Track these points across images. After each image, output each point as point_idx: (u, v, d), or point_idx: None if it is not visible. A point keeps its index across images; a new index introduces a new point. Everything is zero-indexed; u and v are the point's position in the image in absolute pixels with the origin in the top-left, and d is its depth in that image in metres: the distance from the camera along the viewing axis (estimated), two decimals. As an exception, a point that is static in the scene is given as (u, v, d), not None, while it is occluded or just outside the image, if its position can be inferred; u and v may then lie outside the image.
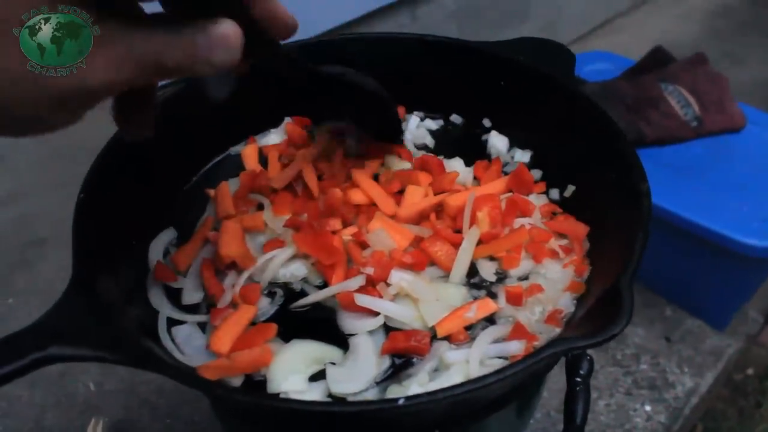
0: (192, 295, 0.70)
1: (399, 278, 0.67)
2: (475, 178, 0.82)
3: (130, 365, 0.54)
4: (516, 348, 0.63)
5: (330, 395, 0.61)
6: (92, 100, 0.43)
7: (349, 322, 0.66)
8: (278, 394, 0.61)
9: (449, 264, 0.70)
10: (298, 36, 1.45)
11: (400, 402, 0.49)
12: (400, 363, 0.64)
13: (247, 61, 0.51)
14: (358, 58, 0.88)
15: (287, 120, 0.90)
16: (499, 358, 0.63)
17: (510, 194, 0.78)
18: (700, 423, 1.34)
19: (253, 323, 0.66)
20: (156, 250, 0.74)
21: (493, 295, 0.69)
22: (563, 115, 0.80)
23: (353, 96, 0.73)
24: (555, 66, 0.83)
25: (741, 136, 1.38)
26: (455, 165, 0.83)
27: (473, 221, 0.72)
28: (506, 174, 0.82)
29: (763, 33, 2.35)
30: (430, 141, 0.89)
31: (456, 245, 0.71)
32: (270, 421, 0.64)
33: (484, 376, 0.51)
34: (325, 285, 0.69)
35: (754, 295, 1.33)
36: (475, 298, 0.69)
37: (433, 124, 0.91)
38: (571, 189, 0.79)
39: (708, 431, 1.35)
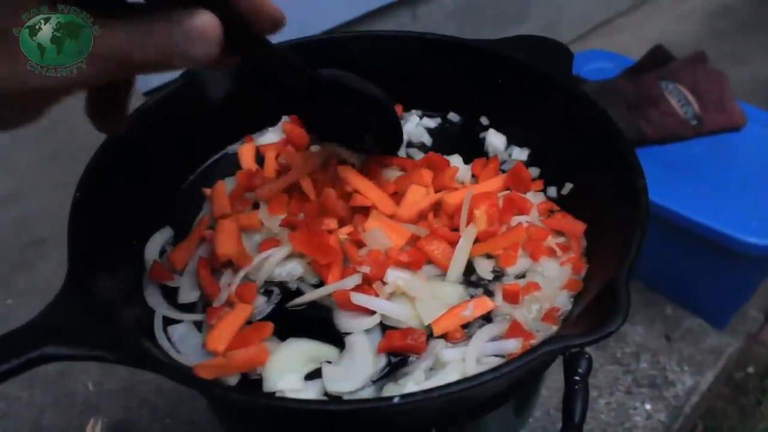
0: (188, 294, 0.70)
1: (395, 277, 0.67)
2: (473, 175, 0.82)
3: (125, 364, 0.54)
4: (513, 346, 0.63)
5: (326, 394, 0.61)
6: (53, 98, 0.42)
7: (345, 321, 0.66)
8: (274, 393, 0.60)
9: (446, 262, 0.70)
10: (300, 35, 1.45)
11: (395, 400, 0.49)
12: (397, 361, 0.64)
13: (233, 56, 0.49)
14: (358, 56, 0.88)
15: (285, 119, 0.90)
16: (496, 356, 0.63)
17: (507, 192, 0.78)
18: (700, 421, 1.33)
19: (249, 322, 0.66)
20: (152, 249, 0.74)
21: (490, 293, 0.69)
22: (561, 113, 0.80)
23: (352, 100, 0.71)
24: (553, 64, 0.82)
25: (741, 134, 1.38)
26: (454, 162, 0.82)
27: (470, 219, 0.72)
28: (504, 172, 0.81)
29: (764, 32, 2.34)
30: (427, 139, 0.89)
31: (453, 243, 0.71)
32: (266, 419, 0.64)
33: (480, 374, 0.51)
34: (321, 284, 0.69)
35: (754, 294, 1.33)
36: (472, 296, 0.68)
37: (431, 123, 0.91)
38: (568, 187, 0.79)
39: (708, 430, 1.35)
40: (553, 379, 1.10)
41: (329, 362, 0.63)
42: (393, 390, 0.60)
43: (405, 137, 0.88)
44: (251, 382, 0.62)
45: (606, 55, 1.63)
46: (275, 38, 0.74)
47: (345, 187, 0.75)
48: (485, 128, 0.88)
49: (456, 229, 0.73)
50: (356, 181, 0.74)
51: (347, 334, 0.65)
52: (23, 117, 0.43)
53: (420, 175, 0.77)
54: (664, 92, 1.42)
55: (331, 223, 0.71)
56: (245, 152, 0.85)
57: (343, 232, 0.71)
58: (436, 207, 0.76)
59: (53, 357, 0.52)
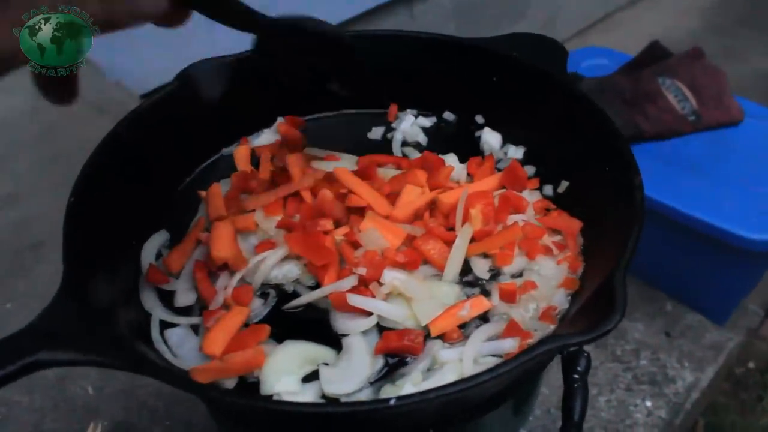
0: (185, 297, 0.70)
1: (392, 277, 0.67)
2: (468, 174, 0.82)
3: (122, 369, 0.54)
4: (510, 346, 0.63)
5: (323, 396, 0.61)
6: (8, 63, 0.41)
7: (342, 323, 0.66)
8: (271, 396, 0.60)
9: (442, 262, 0.69)
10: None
11: (392, 402, 0.49)
12: (394, 362, 0.63)
13: (185, 8, 0.49)
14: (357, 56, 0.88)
15: (280, 120, 0.89)
16: (494, 356, 0.63)
17: (503, 191, 0.78)
18: (701, 418, 1.33)
19: (246, 324, 0.66)
20: (148, 252, 0.74)
21: (486, 293, 0.69)
22: (556, 111, 0.80)
23: (309, 42, 0.70)
24: (547, 61, 0.82)
25: (739, 130, 1.37)
26: (449, 161, 0.82)
27: (466, 218, 0.72)
28: (500, 170, 0.81)
29: (761, 27, 2.34)
30: (423, 138, 0.89)
31: (449, 243, 0.70)
32: (264, 422, 0.64)
33: (477, 375, 0.51)
34: (317, 285, 0.69)
35: (754, 289, 1.33)
36: (469, 296, 0.68)
37: (426, 122, 0.91)
38: (564, 185, 0.78)
39: (710, 426, 1.35)
40: (554, 377, 1.10)
41: (326, 364, 0.63)
42: (390, 391, 0.60)
43: (400, 136, 0.88)
44: (249, 385, 0.62)
45: (603, 51, 1.63)
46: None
47: (340, 187, 0.74)
48: (480, 127, 0.88)
49: (452, 229, 0.73)
50: (351, 181, 0.74)
51: (344, 335, 0.65)
52: None
53: (415, 174, 0.76)
54: (662, 88, 1.41)
55: (327, 224, 0.71)
56: (240, 154, 0.85)
57: (339, 233, 0.71)
58: (432, 206, 0.75)
59: (49, 362, 0.52)
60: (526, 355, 0.52)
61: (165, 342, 0.66)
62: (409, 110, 0.92)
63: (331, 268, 0.68)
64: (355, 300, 0.64)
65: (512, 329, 0.64)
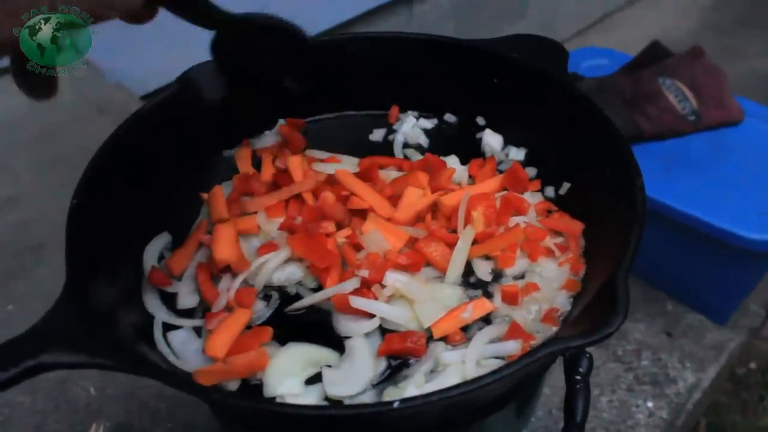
0: (187, 300, 0.70)
1: (394, 279, 0.67)
2: (470, 176, 0.82)
3: (125, 371, 0.54)
4: (512, 348, 0.63)
5: (326, 398, 0.61)
6: None
7: (344, 325, 0.66)
8: (275, 398, 0.60)
9: (444, 264, 0.70)
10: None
11: (396, 405, 0.49)
12: (396, 364, 0.64)
13: (154, 5, 0.50)
14: (353, 57, 0.88)
15: (281, 122, 0.89)
16: (496, 358, 0.63)
17: (505, 192, 0.78)
18: (703, 418, 1.33)
19: (248, 327, 0.66)
20: (150, 254, 0.74)
21: (488, 295, 0.69)
22: (558, 112, 0.80)
23: (267, 37, 0.72)
24: (548, 62, 0.82)
25: (739, 129, 1.37)
26: (451, 163, 0.82)
27: (468, 220, 0.72)
28: (501, 172, 0.81)
29: (761, 26, 2.34)
30: (424, 140, 0.89)
31: (451, 245, 0.71)
32: (268, 424, 0.64)
33: (480, 377, 0.51)
34: (320, 288, 0.69)
35: (755, 289, 1.33)
36: (471, 298, 0.68)
37: (428, 123, 0.91)
38: (566, 186, 0.78)
39: (711, 426, 1.35)
40: (555, 378, 1.10)
41: (329, 366, 0.63)
42: (393, 393, 0.60)
43: (401, 138, 0.88)
44: (252, 387, 0.62)
45: (603, 51, 1.63)
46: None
47: (341, 190, 0.74)
48: (482, 128, 0.88)
49: (454, 231, 0.73)
50: (353, 183, 0.74)
51: (347, 337, 0.65)
52: None
53: (416, 177, 0.77)
54: (662, 88, 1.41)
55: (329, 226, 0.71)
56: (242, 156, 0.85)
57: (341, 236, 0.71)
58: (434, 209, 0.75)
59: (52, 365, 0.52)
60: (529, 357, 0.52)
61: (168, 344, 0.66)
62: (410, 112, 0.92)
63: (333, 271, 0.68)
64: (358, 302, 0.65)
65: (514, 331, 0.64)
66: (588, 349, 0.71)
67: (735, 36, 2.28)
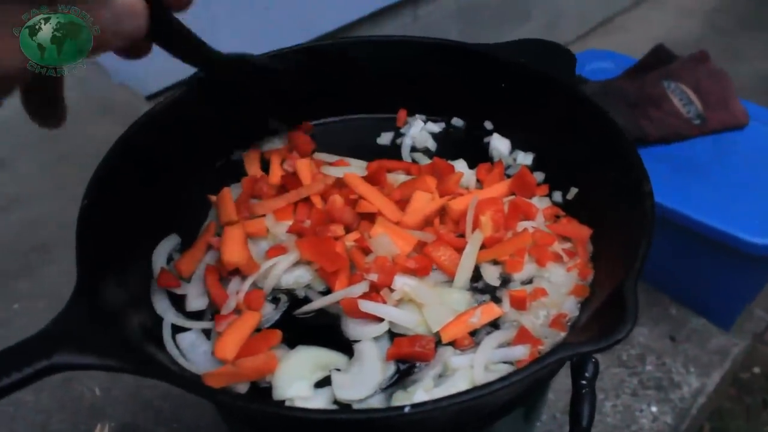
0: (196, 302, 0.71)
1: (403, 283, 0.67)
2: (478, 180, 0.82)
3: (135, 373, 0.54)
4: (521, 353, 0.63)
5: (335, 401, 0.61)
6: (5, 86, 0.42)
7: (353, 328, 0.66)
8: (284, 401, 0.61)
9: (453, 269, 0.70)
10: (303, 35, 1.45)
11: (406, 410, 0.49)
12: (405, 369, 0.64)
13: (154, 40, 0.52)
14: (361, 61, 0.88)
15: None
16: (504, 363, 0.63)
17: (513, 197, 0.78)
18: (707, 423, 1.33)
19: (257, 330, 0.66)
20: (159, 256, 0.74)
21: (497, 300, 0.69)
22: (565, 117, 0.80)
23: (256, 77, 0.76)
24: (556, 67, 0.82)
25: (744, 133, 1.37)
26: (458, 167, 0.82)
27: (476, 225, 0.72)
28: (509, 176, 0.82)
29: (764, 29, 2.34)
30: (432, 144, 0.89)
31: (459, 250, 0.71)
32: (277, 427, 0.64)
33: (490, 383, 0.51)
34: (328, 291, 0.69)
35: (759, 294, 1.33)
36: (479, 303, 0.69)
37: (435, 127, 0.91)
38: (573, 191, 0.79)
39: (715, 431, 1.35)
40: (559, 383, 1.10)
41: (338, 370, 0.63)
42: (402, 397, 0.60)
43: (409, 142, 0.88)
44: (261, 390, 0.63)
45: (607, 54, 1.63)
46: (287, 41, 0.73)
47: (350, 193, 0.75)
48: (489, 133, 0.88)
49: (462, 235, 0.73)
50: (361, 187, 0.75)
51: (356, 341, 0.65)
52: None
53: (424, 181, 0.77)
54: (667, 91, 1.42)
55: (338, 229, 0.72)
56: (250, 159, 0.85)
57: (350, 239, 0.71)
58: (442, 213, 0.76)
59: (64, 366, 0.52)
60: (537, 363, 0.52)
61: (177, 346, 0.66)
62: (417, 115, 0.92)
63: (342, 274, 0.68)
64: (367, 306, 0.65)
65: (523, 336, 0.64)
66: (593, 355, 0.71)
67: (739, 38, 2.28)
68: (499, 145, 0.85)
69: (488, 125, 0.89)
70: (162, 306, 0.70)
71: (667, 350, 1.25)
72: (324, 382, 0.63)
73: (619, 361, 1.23)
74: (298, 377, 0.62)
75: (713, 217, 1.17)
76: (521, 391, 0.65)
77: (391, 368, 0.63)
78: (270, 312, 0.69)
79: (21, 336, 0.52)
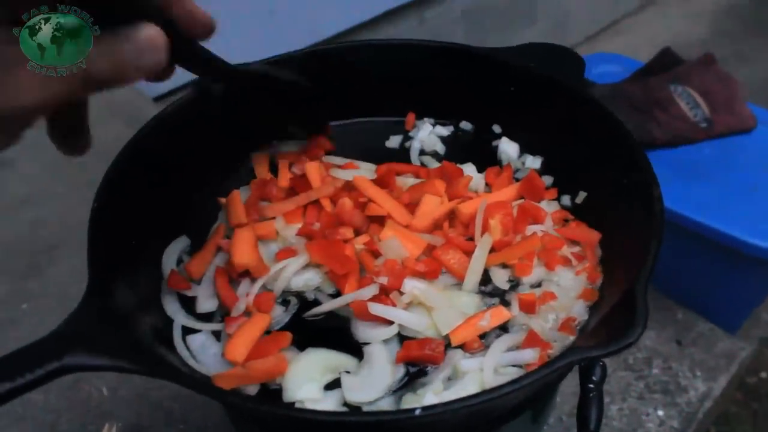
0: (206, 304, 0.71)
1: (412, 286, 0.68)
2: (486, 184, 0.82)
3: (147, 375, 0.55)
4: (530, 356, 0.63)
5: (345, 404, 0.62)
6: (21, 122, 0.42)
7: (363, 331, 0.66)
8: (294, 403, 0.61)
9: (462, 272, 0.70)
10: (309, 38, 1.45)
11: (417, 412, 0.49)
12: (415, 371, 0.64)
13: (173, 63, 0.52)
14: (370, 64, 0.88)
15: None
16: (513, 366, 0.63)
17: (521, 201, 0.78)
18: (713, 427, 1.33)
19: (267, 332, 0.67)
20: (169, 258, 0.75)
21: (506, 303, 0.69)
22: (574, 121, 0.80)
23: (275, 89, 0.76)
24: (565, 71, 0.82)
25: (751, 136, 1.37)
26: (467, 171, 0.83)
27: (485, 229, 0.72)
28: (517, 180, 0.82)
29: (772, 32, 2.34)
30: (440, 147, 0.89)
31: (468, 253, 0.71)
32: (287, 429, 0.64)
33: (501, 386, 0.51)
34: (338, 293, 0.70)
35: (766, 298, 1.33)
36: (489, 306, 0.69)
37: (444, 131, 0.91)
38: (582, 195, 0.79)
39: (721, 435, 1.35)
40: (566, 385, 1.10)
41: (348, 372, 0.64)
42: (412, 400, 0.60)
43: (418, 145, 0.89)
44: (270, 392, 0.63)
45: (614, 57, 1.63)
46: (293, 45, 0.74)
47: (359, 196, 0.75)
48: (498, 136, 0.89)
49: (471, 239, 0.73)
50: (371, 190, 0.75)
51: (365, 344, 0.66)
52: None
53: (433, 184, 0.77)
54: (674, 95, 1.42)
55: (347, 232, 0.72)
56: (260, 161, 0.85)
57: (359, 242, 0.72)
58: (451, 216, 0.76)
59: (75, 367, 0.53)
60: (548, 367, 0.52)
61: (187, 347, 0.67)
62: (426, 119, 0.92)
63: (351, 277, 0.69)
64: (377, 309, 0.65)
65: (532, 340, 0.64)
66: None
67: (746, 42, 2.27)
68: (508, 148, 0.86)
69: (497, 129, 0.89)
70: (172, 308, 0.70)
71: (674, 354, 1.25)
72: (334, 385, 0.63)
73: (625, 364, 1.22)
74: (308, 379, 0.62)
75: (720, 220, 1.17)
76: (530, 394, 0.65)
77: (401, 371, 0.64)
78: (280, 314, 0.69)
79: (30, 336, 0.52)
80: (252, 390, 0.63)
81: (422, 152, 0.89)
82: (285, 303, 0.71)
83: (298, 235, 0.74)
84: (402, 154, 0.89)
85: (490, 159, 0.87)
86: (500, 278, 0.71)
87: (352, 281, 0.68)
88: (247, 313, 0.68)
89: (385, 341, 0.65)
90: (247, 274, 0.71)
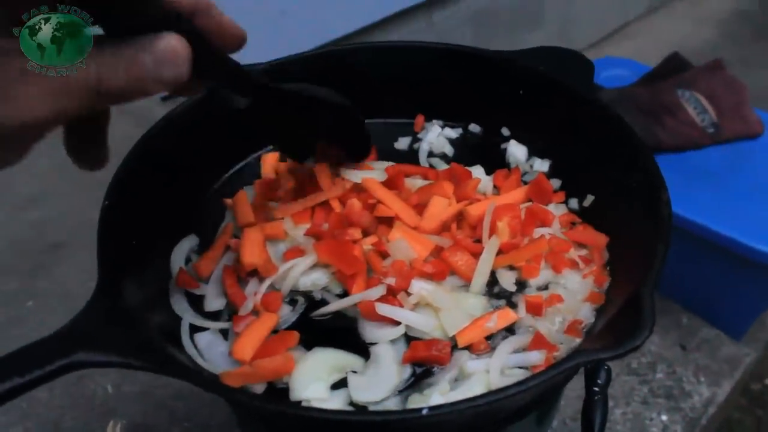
0: (214, 302, 0.71)
1: (419, 287, 0.68)
2: (495, 186, 0.82)
3: (155, 372, 0.55)
4: (536, 358, 0.63)
5: (351, 403, 0.62)
6: (33, 135, 0.41)
7: (370, 331, 0.66)
8: (300, 402, 0.61)
9: (469, 274, 0.70)
10: (316, 41, 1.45)
11: (424, 412, 0.50)
12: (421, 372, 0.64)
13: (200, 79, 0.49)
14: (379, 66, 0.89)
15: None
16: (520, 367, 0.63)
17: (529, 204, 0.78)
18: (716, 432, 1.33)
19: (274, 331, 0.67)
20: (178, 256, 0.75)
21: (513, 305, 0.69)
22: (582, 125, 0.80)
23: (314, 109, 0.71)
24: (574, 75, 0.83)
25: (758, 142, 1.37)
26: (476, 173, 0.83)
27: (493, 231, 0.73)
28: (525, 183, 0.82)
29: (780, 38, 2.33)
30: (449, 149, 0.89)
31: (476, 255, 0.71)
32: (293, 428, 0.65)
33: (507, 387, 0.51)
34: (345, 293, 0.70)
35: (772, 304, 1.32)
36: (496, 308, 0.69)
37: (453, 133, 0.91)
38: (590, 198, 0.79)
39: (724, 441, 1.35)
40: (570, 388, 1.10)
41: (355, 372, 0.64)
42: (418, 400, 0.60)
43: (426, 147, 0.89)
44: (277, 391, 0.63)
45: (622, 62, 1.63)
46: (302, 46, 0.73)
47: (368, 197, 0.75)
48: (506, 139, 0.89)
49: (479, 241, 0.73)
50: (380, 191, 0.75)
51: (372, 344, 0.66)
52: (6, 157, 0.43)
53: (442, 186, 0.77)
54: (681, 100, 1.41)
55: (356, 233, 0.72)
56: (267, 161, 0.86)
57: (368, 243, 0.72)
58: (459, 218, 0.76)
59: (85, 364, 0.53)
60: (554, 369, 0.53)
61: (195, 346, 0.67)
62: (435, 121, 0.92)
63: (359, 277, 0.69)
64: (384, 309, 0.65)
65: (538, 342, 0.64)
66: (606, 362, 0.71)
67: (754, 47, 2.27)
68: (516, 151, 0.86)
69: (505, 132, 0.90)
70: (180, 306, 0.71)
71: (678, 359, 1.25)
72: (340, 384, 0.63)
73: (629, 368, 1.22)
74: (314, 379, 0.62)
75: (726, 225, 1.17)
76: (537, 395, 0.65)
77: (407, 371, 0.64)
78: (287, 314, 0.70)
79: (35, 333, 0.53)
80: (259, 389, 0.63)
81: (431, 154, 0.89)
82: (292, 302, 0.71)
83: (306, 235, 0.74)
84: (410, 156, 0.89)
85: (499, 161, 0.87)
86: (507, 280, 0.71)
87: (359, 281, 0.69)
88: (255, 312, 0.68)
89: (392, 341, 0.66)
90: (255, 273, 0.71)
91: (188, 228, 0.78)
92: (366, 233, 0.74)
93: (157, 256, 0.74)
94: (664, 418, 1.14)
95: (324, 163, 0.78)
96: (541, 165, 0.85)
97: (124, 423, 1.09)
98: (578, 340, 0.65)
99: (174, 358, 0.62)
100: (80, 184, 1.44)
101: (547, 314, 0.68)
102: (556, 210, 0.78)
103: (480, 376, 0.62)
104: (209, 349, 0.67)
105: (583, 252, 0.73)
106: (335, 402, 0.62)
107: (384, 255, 0.71)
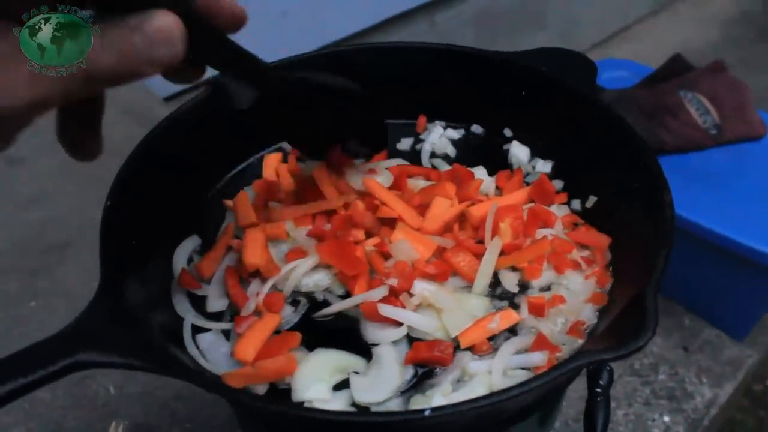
0: (216, 303, 0.71)
1: (422, 288, 0.68)
2: (497, 187, 0.82)
3: (158, 373, 0.55)
4: (539, 359, 0.63)
5: (354, 404, 0.62)
6: (20, 120, 0.39)
7: (372, 332, 0.66)
8: (302, 403, 0.61)
9: (472, 274, 0.70)
10: (318, 42, 1.45)
11: (427, 413, 0.50)
12: (423, 373, 0.64)
13: (198, 62, 0.47)
14: (380, 67, 0.89)
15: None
16: (522, 369, 0.63)
17: (532, 204, 0.78)
18: (718, 434, 1.33)
19: (277, 332, 0.67)
20: (180, 257, 0.75)
21: (515, 306, 0.69)
22: (584, 126, 0.80)
23: (326, 98, 0.68)
24: (576, 76, 0.83)
25: (761, 143, 1.37)
26: (478, 174, 0.83)
27: (495, 232, 0.73)
28: (528, 184, 0.82)
29: (783, 40, 2.33)
30: (451, 150, 0.89)
31: (478, 256, 0.71)
32: (295, 429, 0.65)
33: (510, 388, 0.51)
34: (347, 294, 0.70)
35: (774, 305, 1.32)
36: (498, 309, 0.69)
37: (455, 134, 0.91)
38: (592, 200, 0.79)
39: (727, 442, 1.34)
40: (572, 389, 1.10)
41: (357, 373, 0.64)
42: (420, 401, 0.60)
43: (429, 148, 0.89)
44: (280, 392, 0.63)
45: (624, 63, 1.63)
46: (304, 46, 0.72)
47: (371, 199, 0.75)
48: (509, 140, 0.89)
49: (481, 242, 0.73)
50: (382, 192, 0.75)
51: (374, 345, 0.66)
52: None
53: (444, 187, 0.77)
54: (683, 101, 1.41)
55: (358, 234, 0.72)
56: (270, 161, 0.86)
57: (370, 244, 0.72)
58: (461, 219, 0.76)
59: (88, 364, 0.53)
60: (557, 370, 0.52)
61: (197, 346, 0.67)
62: (437, 122, 0.92)
63: (361, 278, 0.69)
64: (386, 310, 0.65)
65: (541, 343, 0.64)
66: (608, 363, 0.71)
67: (756, 49, 2.27)
68: (519, 152, 0.86)
69: (508, 133, 0.90)
70: (182, 306, 0.71)
71: (680, 360, 1.25)
72: (342, 385, 0.64)
73: (631, 370, 1.22)
74: (317, 379, 0.62)
75: (728, 227, 1.17)
76: (539, 396, 0.65)
77: (410, 372, 0.64)
78: (289, 314, 0.70)
79: (37, 333, 0.53)
80: (261, 389, 0.63)
81: (433, 155, 0.89)
82: (295, 303, 0.71)
83: (308, 236, 0.74)
84: (413, 157, 0.89)
85: (501, 162, 0.87)
86: (510, 281, 0.71)
87: (362, 282, 0.69)
88: (257, 312, 0.68)
89: (394, 342, 0.66)
90: (257, 274, 0.71)
91: (190, 228, 0.78)
92: (368, 234, 0.74)
93: (159, 257, 0.75)
94: (666, 419, 1.14)
95: (333, 168, 0.78)
96: (544, 166, 0.85)
97: (126, 424, 1.09)
98: (581, 341, 0.65)
99: (176, 359, 0.63)
100: (82, 185, 1.45)
101: (549, 315, 0.68)
102: (559, 211, 0.78)
103: (482, 377, 0.62)
104: (211, 350, 0.67)
105: (586, 253, 0.73)
106: (337, 403, 0.62)
107: (386, 256, 0.71)
